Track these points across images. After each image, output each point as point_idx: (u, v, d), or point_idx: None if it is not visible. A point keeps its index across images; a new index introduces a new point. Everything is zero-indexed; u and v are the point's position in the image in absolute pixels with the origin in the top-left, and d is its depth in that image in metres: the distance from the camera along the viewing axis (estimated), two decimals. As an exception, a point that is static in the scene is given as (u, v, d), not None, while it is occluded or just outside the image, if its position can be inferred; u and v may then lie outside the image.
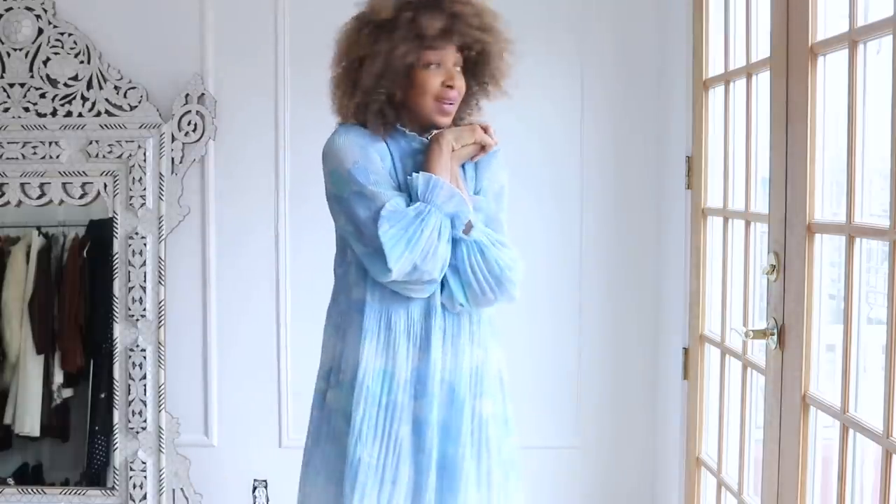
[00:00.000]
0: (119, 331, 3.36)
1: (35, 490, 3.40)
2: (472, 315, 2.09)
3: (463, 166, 2.13)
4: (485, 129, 2.10)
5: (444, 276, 2.02)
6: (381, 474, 2.00)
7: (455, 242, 2.01)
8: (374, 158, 2.02)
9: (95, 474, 3.45)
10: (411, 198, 2.00)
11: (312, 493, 2.13)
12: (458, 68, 2.06)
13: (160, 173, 3.35)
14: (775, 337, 2.24)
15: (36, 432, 3.52)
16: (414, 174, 2.00)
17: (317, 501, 2.11)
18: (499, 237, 2.09)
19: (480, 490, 2.06)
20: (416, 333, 2.04)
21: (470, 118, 2.17)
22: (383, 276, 1.97)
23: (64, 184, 3.38)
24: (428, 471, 2.01)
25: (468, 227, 2.03)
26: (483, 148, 2.09)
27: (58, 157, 3.36)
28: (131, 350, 3.34)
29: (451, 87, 2.03)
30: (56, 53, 3.37)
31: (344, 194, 2.01)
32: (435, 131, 2.08)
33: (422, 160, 2.05)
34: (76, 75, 3.37)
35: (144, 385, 3.33)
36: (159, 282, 3.34)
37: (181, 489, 3.38)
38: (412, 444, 2.02)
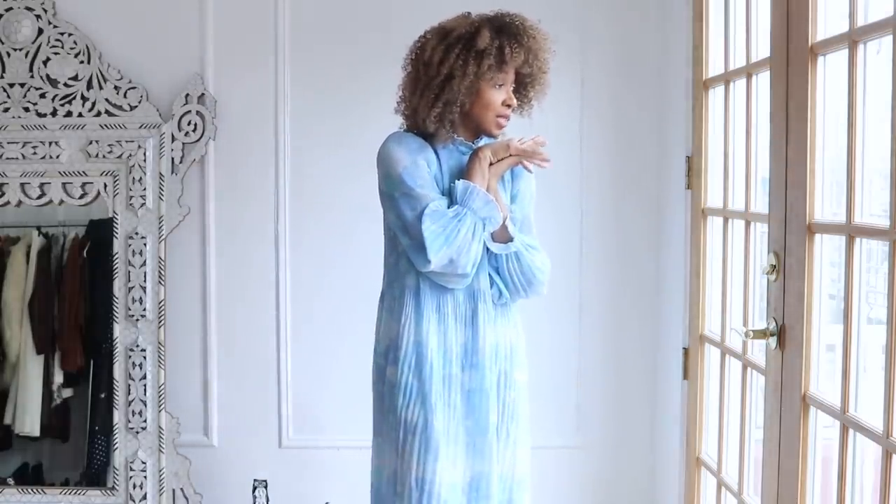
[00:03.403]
0: (119, 331, 3.36)
1: (35, 490, 3.40)
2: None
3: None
4: (536, 143, 2.33)
5: (491, 277, 2.33)
6: (447, 437, 2.28)
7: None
8: (422, 165, 2.28)
9: (95, 474, 3.45)
10: (452, 201, 2.27)
11: (385, 459, 2.36)
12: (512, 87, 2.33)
13: (160, 173, 3.35)
14: (775, 337, 2.24)
15: (36, 432, 3.51)
16: (455, 182, 2.27)
17: (389, 466, 2.34)
18: (531, 241, 2.39)
19: (517, 445, 2.39)
20: (462, 314, 2.32)
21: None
22: (424, 267, 2.24)
23: (64, 184, 3.38)
24: (485, 433, 2.30)
25: (508, 238, 2.32)
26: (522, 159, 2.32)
27: (58, 157, 3.36)
28: (131, 350, 3.34)
29: (510, 105, 2.30)
30: (56, 53, 3.37)
31: (395, 194, 2.27)
32: (477, 144, 2.34)
33: (462, 162, 2.32)
34: (76, 75, 3.37)
35: (144, 385, 3.33)
36: (159, 282, 3.34)
37: (181, 489, 3.38)
38: (464, 409, 2.31)
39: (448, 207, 2.25)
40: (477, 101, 2.27)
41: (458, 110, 2.26)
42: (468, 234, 2.22)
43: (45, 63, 3.37)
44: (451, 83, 2.22)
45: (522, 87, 2.35)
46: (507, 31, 2.25)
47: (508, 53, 2.23)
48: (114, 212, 3.37)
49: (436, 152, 2.32)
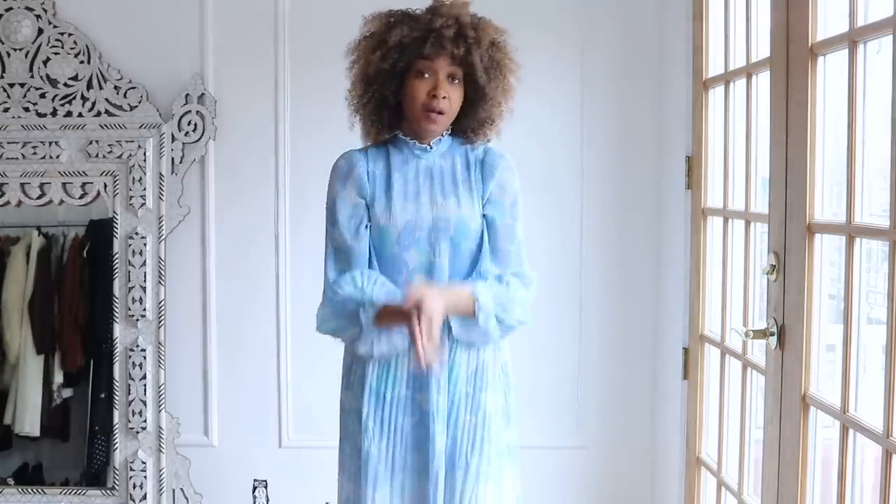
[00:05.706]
0: (119, 331, 3.36)
1: (35, 490, 3.40)
2: None
3: (468, 170, 2.17)
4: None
5: (450, 325, 2.09)
6: (391, 464, 2.15)
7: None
8: (349, 196, 2.15)
9: (95, 474, 3.45)
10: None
11: (342, 489, 2.27)
12: (457, 81, 2.11)
13: (160, 173, 3.35)
14: (775, 337, 2.24)
15: (36, 432, 3.52)
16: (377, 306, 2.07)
17: (345, 496, 2.25)
18: (507, 292, 2.12)
19: (479, 479, 2.14)
20: None
21: (491, 124, 2.21)
22: None
23: (64, 184, 3.38)
24: (433, 458, 2.12)
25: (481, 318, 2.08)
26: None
27: (58, 157, 3.36)
28: (131, 350, 3.34)
29: (435, 96, 2.08)
30: (56, 53, 3.37)
31: (326, 219, 2.19)
32: (438, 143, 2.16)
33: (420, 166, 2.16)
34: (76, 75, 3.37)
35: (144, 385, 3.33)
36: (159, 282, 3.34)
37: (181, 489, 3.38)
38: (415, 434, 2.15)
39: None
40: (404, 94, 2.10)
41: (372, 101, 2.13)
42: (354, 331, 2.11)
43: (45, 63, 3.37)
44: (362, 78, 2.13)
45: (473, 84, 2.12)
46: (437, 13, 2.08)
47: (393, 33, 2.07)
48: (114, 212, 3.37)
49: (388, 157, 2.17)
